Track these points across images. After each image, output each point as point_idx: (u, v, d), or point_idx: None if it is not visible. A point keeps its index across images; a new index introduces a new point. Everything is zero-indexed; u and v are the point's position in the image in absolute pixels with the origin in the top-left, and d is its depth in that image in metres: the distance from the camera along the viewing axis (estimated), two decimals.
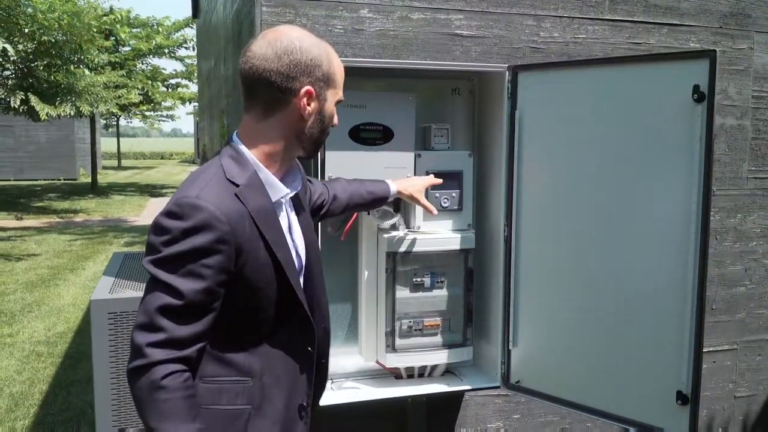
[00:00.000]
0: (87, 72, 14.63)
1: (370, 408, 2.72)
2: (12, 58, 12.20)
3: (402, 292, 2.60)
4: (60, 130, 24.63)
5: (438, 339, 2.66)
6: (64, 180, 25.39)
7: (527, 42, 2.89)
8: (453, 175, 2.68)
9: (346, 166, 2.53)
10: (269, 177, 1.64)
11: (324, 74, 1.63)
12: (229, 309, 1.58)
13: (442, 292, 2.65)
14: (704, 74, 2.08)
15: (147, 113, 26.12)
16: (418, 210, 2.64)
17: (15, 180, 24.81)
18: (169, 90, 24.67)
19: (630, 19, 3.02)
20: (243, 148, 1.64)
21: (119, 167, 36.30)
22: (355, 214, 2.58)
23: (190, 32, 21.19)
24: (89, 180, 22.71)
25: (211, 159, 1.66)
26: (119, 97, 18.87)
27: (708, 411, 3.41)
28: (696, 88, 2.09)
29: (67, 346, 6.06)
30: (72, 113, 14.28)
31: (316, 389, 1.90)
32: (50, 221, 14.38)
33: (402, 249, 2.57)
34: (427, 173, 2.63)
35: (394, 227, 2.64)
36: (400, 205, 2.70)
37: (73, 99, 13.86)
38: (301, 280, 1.78)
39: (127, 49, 21.17)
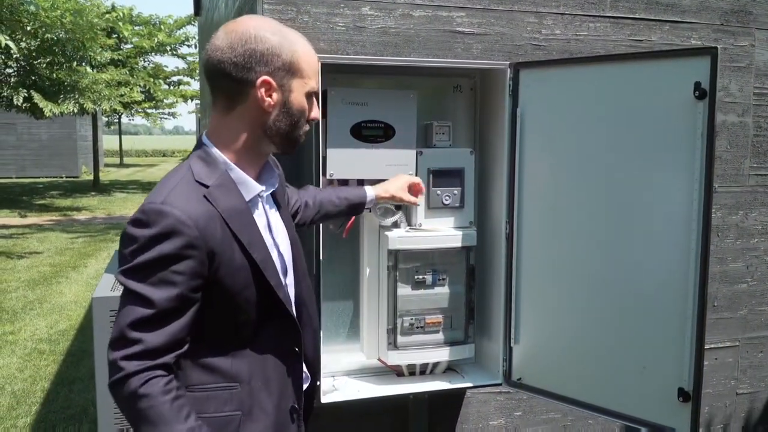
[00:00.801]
0: (90, 70, 14.65)
1: (371, 405, 2.72)
2: (15, 56, 12.22)
3: (404, 290, 2.60)
4: (62, 128, 24.65)
5: (440, 336, 2.66)
6: (66, 178, 25.41)
7: (529, 39, 2.89)
8: (455, 172, 2.68)
9: (348, 164, 2.53)
10: (241, 175, 1.58)
11: (285, 63, 1.54)
12: (209, 314, 1.54)
13: (443, 290, 2.65)
14: (705, 71, 2.07)
15: (149, 111, 26.16)
16: (420, 207, 2.64)
17: (17, 177, 24.83)
18: (171, 88, 24.70)
19: (631, 16, 3.02)
20: (213, 149, 1.58)
21: (121, 165, 36.35)
22: (351, 220, 2.57)
23: (192, 30, 21.21)
24: (91, 177, 22.73)
25: (181, 163, 1.61)
26: (122, 95, 18.89)
27: (710, 408, 3.41)
28: (697, 85, 2.09)
29: (69, 344, 6.07)
30: (75, 111, 14.30)
31: (307, 411, 1.86)
32: (52, 219, 14.40)
33: (404, 246, 2.57)
34: (429, 171, 2.63)
35: (395, 225, 2.64)
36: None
37: (76, 96, 13.87)
38: (288, 279, 1.73)
39: (129, 46, 21.18)
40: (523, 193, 2.55)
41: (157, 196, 1.47)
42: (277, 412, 1.66)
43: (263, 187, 1.65)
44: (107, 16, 15.96)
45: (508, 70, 2.56)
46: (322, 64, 2.32)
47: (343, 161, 2.53)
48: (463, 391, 3.01)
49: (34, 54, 12.57)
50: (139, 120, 29.72)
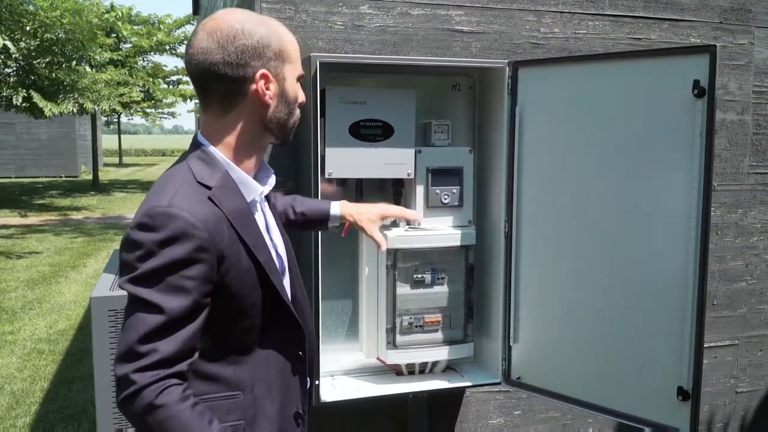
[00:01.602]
0: (89, 69, 14.64)
1: (371, 405, 2.72)
2: (14, 56, 12.21)
3: (403, 289, 2.59)
4: (61, 128, 24.63)
5: (439, 335, 2.66)
6: (66, 177, 25.40)
7: (527, 38, 2.89)
8: (453, 171, 2.67)
9: (346, 163, 2.53)
10: (242, 176, 1.54)
11: (276, 52, 1.50)
12: (212, 320, 1.46)
13: (442, 289, 2.65)
14: (704, 69, 2.07)
15: (148, 110, 26.15)
16: (419, 206, 2.63)
17: (16, 177, 24.82)
18: (171, 87, 24.69)
19: (630, 14, 3.01)
20: (212, 149, 1.52)
21: (120, 164, 36.32)
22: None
23: (191, 29, 21.19)
24: (90, 177, 22.71)
25: (176, 164, 1.55)
26: (122, 94, 18.88)
27: (709, 406, 3.41)
28: (696, 84, 2.08)
29: (68, 344, 6.07)
30: (75, 111, 14.29)
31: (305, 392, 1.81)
32: (52, 218, 14.39)
33: (403, 245, 2.57)
34: (428, 169, 2.63)
35: (394, 224, 2.63)
36: (401, 201, 2.70)
37: (76, 96, 13.87)
38: (285, 280, 1.68)
39: (128, 46, 21.17)
40: (522, 191, 2.55)
41: (161, 199, 1.40)
42: (281, 419, 1.61)
43: (263, 188, 1.61)
44: (106, 15, 15.95)
45: (507, 68, 2.55)
46: (320, 63, 2.31)
47: (342, 160, 2.52)
48: (462, 390, 3.01)
49: (33, 54, 12.56)
50: (138, 119, 29.69)
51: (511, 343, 2.62)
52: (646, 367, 2.28)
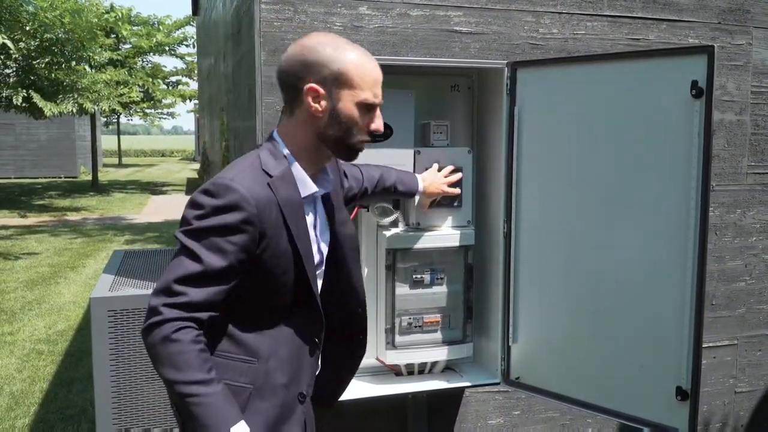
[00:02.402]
0: (89, 70, 14.64)
1: (370, 405, 2.72)
2: (14, 56, 12.21)
3: (402, 289, 2.60)
4: (60, 128, 24.62)
5: (438, 336, 2.66)
6: (65, 178, 25.40)
7: (526, 38, 2.89)
8: (453, 171, 2.67)
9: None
10: (301, 173, 1.74)
11: (333, 73, 1.66)
12: (247, 292, 1.68)
13: (441, 289, 2.65)
14: (702, 70, 2.07)
15: (147, 111, 26.16)
16: (418, 207, 2.64)
17: (16, 178, 24.81)
18: (170, 87, 24.69)
19: (629, 15, 3.02)
20: (281, 143, 1.75)
21: (120, 165, 36.30)
22: (355, 210, 2.57)
23: (191, 30, 21.21)
24: (90, 178, 22.71)
25: (251, 151, 1.78)
26: (121, 95, 18.87)
27: (708, 407, 3.41)
28: (694, 84, 2.09)
29: (67, 344, 6.07)
30: (74, 111, 14.29)
31: (347, 371, 2.08)
32: (51, 219, 14.39)
33: (401, 246, 2.57)
34: (427, 170, 2.63)
35: (393, 224, 2.63)
36: (400, 202, 2.70)
37: (75, 97, 13.87)
38: (318, 272, 1.85)
39: (127, 46, 21.18)
40: (520, 192, 2.55)
41: (227, 174, 1.65)
42: (286, 394, 1.77)
43: (317, 189, 1.78)
44: (106, 16, 15.95)
45: (506, 69, 2.56)
46: None
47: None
48: (461, 390, 3.01)
49: (32, 54, 12.56)
50: (137, 120, 29.71)
51: (510, 343, 2.62)
52: (645, 367, 2.29)
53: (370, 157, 2.55)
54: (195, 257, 1.58)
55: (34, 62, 12.82)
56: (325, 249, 1.87)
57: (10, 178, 24.75)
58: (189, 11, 11.93)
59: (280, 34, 2.61)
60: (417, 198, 2.51)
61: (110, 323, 2.69)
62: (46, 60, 12.81)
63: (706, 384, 3.36)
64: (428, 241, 2.61)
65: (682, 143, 2.14)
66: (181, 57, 23.24)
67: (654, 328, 2.26)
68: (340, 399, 2.53)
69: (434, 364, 2.73)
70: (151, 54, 21.95)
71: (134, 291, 2.80)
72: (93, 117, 22.09)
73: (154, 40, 20.66)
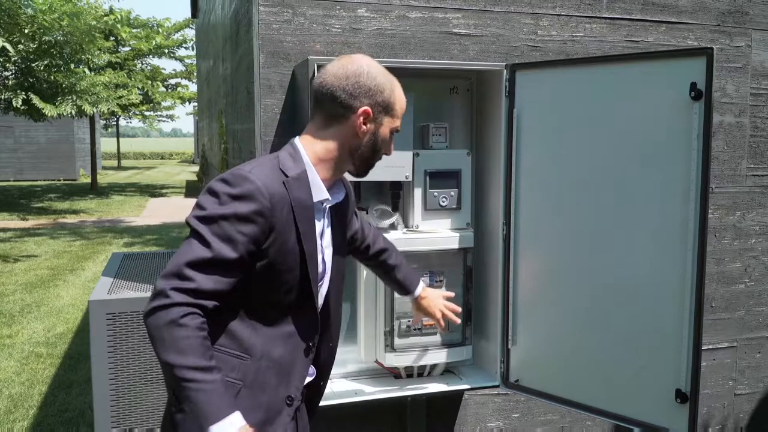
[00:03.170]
0: (87, 72, 14.64)
1: (369, 408, 2.72)
2: (13, 58, 12.21)
3: None
4: (60, 131, 24.62)
5: (437, 338, 2.66)
6: (64, 180, 25.38)
7: (525, 40, 2.89)
8: (451, 173, 2.67)
9: None
10: (316, 178, 1.78)
11: (384, 101, 1.77)
12: (249, 286, 1.70)
13: (441, 291, 2.64)
14: (701, 72, 2.08)
15: (147, 113, 26.14)
16: (417, 209, 2.64)
17: (15, 181, 24.80)
18: (169, 90, 24.68)
19: (628, 17, 3.02)
20: (301, 148, 1.79)
21: (119, 167, 36.30)
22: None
23: (190, 32, 21.21)
24: (89, 180, 22.70)
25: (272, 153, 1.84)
26: (120, 97, 18.86)
27: (708, 409, 3.41)
28: (693, 86, 2.09)
29: (66, 347, 6.06)
30: (73, 112, 14.28)
31: (311, 404, 2.01)
32: (50, 222, 14.38)
33: (401, 248, 2.56)
34: (426, 172, 2.63)
35: (392, 226, 2.63)
36: (399, 204, 2.70)
37: (74, 99, 13.86)
38: (323, 287, 1.89)
39: (126, 49, 21.17)
40: (520, 194, 2.55)
41: (246, 166, 1.70)
42: (274, 395, 1.78)
43: (329, 197, 1.82)
44: (105, 18, 15.94)
45: (505, 71, 2.56)
46: (317, 66, 2.32)
47: None
48: (460, 392, 3.00)
49: (31, 56, 12.56)
50: (136, 123, 29.69)
51: (509, 346, 2.62)
52: (645, 369, 2.28)
53: None
54: (205, 243, 1.61)
55: (33, 65, 12.81)
56: (329, 261, 1.90)
57: (9, 180, 24.74)
58: (188, 14, 11.95)
59: (279, 37, 2.61)
60: (409, 300, 2.33)
61: (109, 326, 2.68)
62: (45, 62, 12.81)
63: (706, 386, 3.35)
64: (427, 243, 2.61)
65: (681, 145, 2.14)
66: (181, 59, 23.24)
67: (653, 330, 2.26)
68: (338, 402, 2.54)
69: (433, 366, 2.73)
70: (151, 56, 21.94)
71: (133, 294, 2.80)
72: (92, 119, 22.08)
73: (154, 42, 20.63)
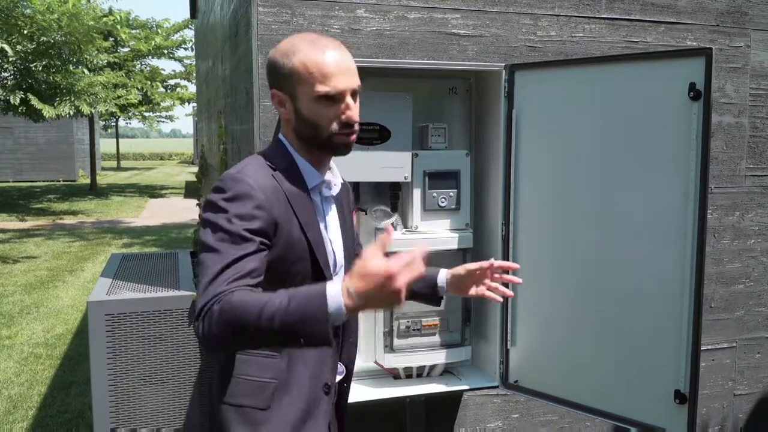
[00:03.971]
0: (86, 72, 14.63)
1: (368, 408, 2.71)
2: (11, 59, 12.20)
3: None
4: (59, 132, 24.62)
5: (436, 339, 2.66)
6: (64, 181, 25.37)
7: (524, 41, 2.89)
8: (450, 174, 2.67)
9: (343, 166, 2.52)
10: (306, 165, 1.75)
11: (286, 73, 1.65)
12: (264, 282, 1.62)
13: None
14: (700, 72, 2.08)
15: (146, 114, 26.13)
16: (416, 210, 2.63)
17: (14, 181, 24.79)
18: (168, 91, 24.68)
19: (627, 17, 3.02)
20: (284, 140, 1.77)
21: (118, 168, 36.29)
22: (354, 212, 2.57)
23: (189, 33, 21.20)
24: (88, 181, 22.69)
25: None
26: (119, 97, 18.84)
27: (707, 409, 3.40)
28: (692, 86, 2.09)
29: (65, 348, 6.06)
30: (72, 113, 14.28)
31: (339, 411, 1.97)
32: (49, 223, 14.37)
33: (400, 249, 2.56)
34: (425, 173, 2.63)
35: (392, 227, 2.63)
36: (398, 204, 2.70)
37: (72, 99, 13.85)
38: (336, 276, 1.81)
39: (126, 50, 21.17)
40: (519, 194, 2.55)
41: (232, 169, 1.69)
42: (311, 385, 1.77)
43: (324, 178, 1.79)
44: (104, 19, 15.93)
45: (504, 71, 2.56)
46: None
47: (338, 163, 2.51)
48: (460, 393, 3.00)
49: (30, 57, 12.55)
50: (136, 123, 29.71)
51: (508, 347, 2.62)
52: (644, 370, 2.28)
53: (366, 159, 2.55)
54: (220, 253, 1.54)
55: (32, 65, 12.80)
56: (339, 251, 1.83)
57: (8, 181, 24.74)
58: (187, 14, 11.95)
59: (278, 37, 2.61)
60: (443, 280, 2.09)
61: (108, 327, 2.68)
62: (44, 63, 12.80)
63: (705, 387, 3.35)
64: (426, 244, 2.60)
65: (681, 145, 2.14)
66: (180, 60, 23.23)
67: (652, 331, 2.25)
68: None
69: (432, 367, 2.73)
70: (150, 57, 21.94)
71: (132, 295, 2.80)
72: (91, 120, 22.06)
73: (153, 43, 20.63)
